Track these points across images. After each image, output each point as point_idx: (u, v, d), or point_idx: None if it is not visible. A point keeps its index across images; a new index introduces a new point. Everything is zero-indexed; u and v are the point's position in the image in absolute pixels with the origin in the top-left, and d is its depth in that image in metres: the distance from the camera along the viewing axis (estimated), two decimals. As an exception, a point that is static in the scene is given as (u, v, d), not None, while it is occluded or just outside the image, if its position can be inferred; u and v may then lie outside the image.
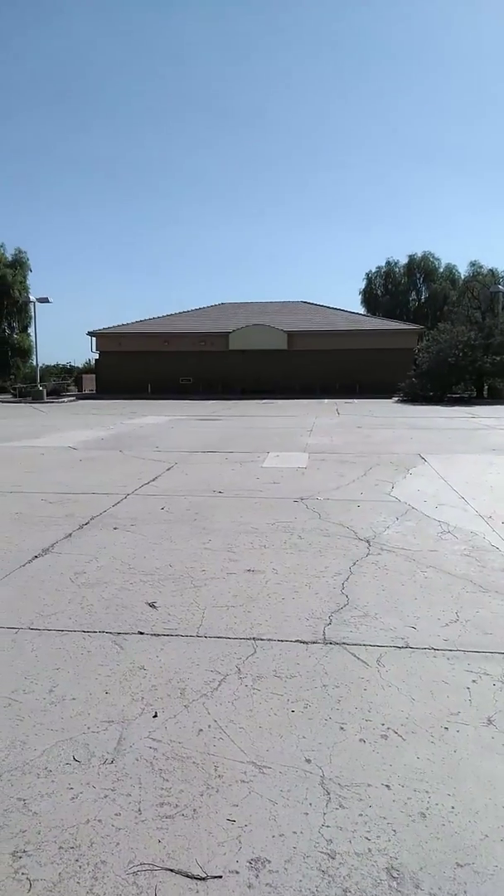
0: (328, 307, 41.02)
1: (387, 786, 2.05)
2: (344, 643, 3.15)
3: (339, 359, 35.03)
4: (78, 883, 1.66)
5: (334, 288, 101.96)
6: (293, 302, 42.62)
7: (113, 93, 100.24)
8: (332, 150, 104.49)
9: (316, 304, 41.70)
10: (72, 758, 2.21)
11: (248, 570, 4.29)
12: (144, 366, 36.77)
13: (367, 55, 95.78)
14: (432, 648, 3.09)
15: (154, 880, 1.67)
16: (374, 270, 58.73)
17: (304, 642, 3.16)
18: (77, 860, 1.73)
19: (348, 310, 42.17)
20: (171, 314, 41.15)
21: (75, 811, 1.93)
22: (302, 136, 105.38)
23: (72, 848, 1.78)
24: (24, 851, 1.77)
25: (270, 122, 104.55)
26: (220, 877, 1.68)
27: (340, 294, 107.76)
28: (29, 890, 1.64)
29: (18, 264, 49.02)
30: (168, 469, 8.88)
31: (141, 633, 3.28)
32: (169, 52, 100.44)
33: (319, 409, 22.92)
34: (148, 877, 1.68)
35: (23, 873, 1.69)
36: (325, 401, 27.97)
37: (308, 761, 2.19)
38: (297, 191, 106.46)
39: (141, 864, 1.72)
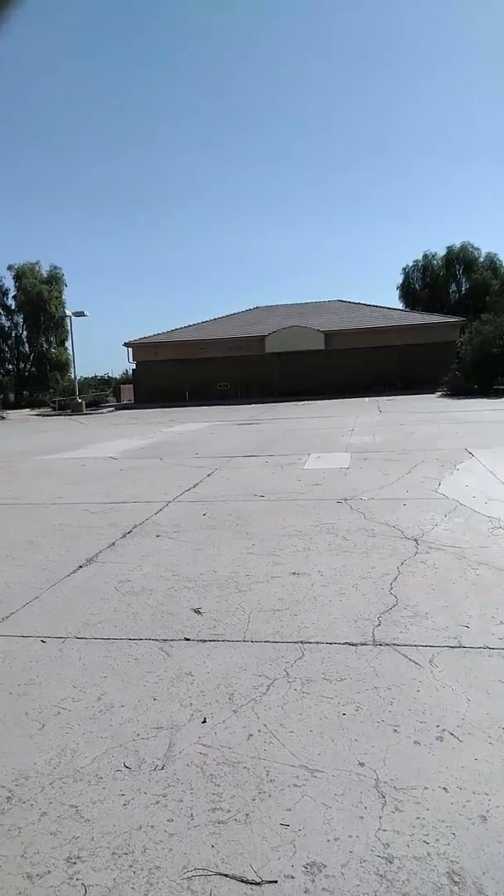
0: (365, 304, 40.66)
1: (444, 788, 1.99)
2: (394, 644, 3.08)
3: (379, 356, 34.65)
4: (133, 888, 1.65)
5: (370, 285, 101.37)
6: (329, 301, 42.40)
7: (139, 107, 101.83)
8: (363, 147, 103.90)
9: (352, 303, 41.40)
10: (122, 764, 2.21)
11: (293, 574, 4.25)
12: (181, 373, 37.11)
13: (398, 48, 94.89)
14: (487, 647, 2.99)
15: (209, 885, 1.65)
16: (410, 264, 57.98)
17: (352, 644, 3.10)
18: (131, 866, 1.73)
19: (386, 306, 41.74)
20: (207, 321, 41.48)
21: (128, 817, 1.93)
22: (333, 135, 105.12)
23: (125, 854, 1.77)
24: (79, 857, 1.77)
25: (302, 123, 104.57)
26: (276, 882, 1.65)
27: (377, 291, 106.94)
28: (84, 895, 1.64)
29: (54, 280, 50.27)
30: (208, 475, 8.91)
31: (187, 640, 3.27)
32: (195, 65, 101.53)
33: (360, 407, 22.71)
34: (202, 882, 1.66)
35: (77, 879, 1.69)
36: (366, 399, 27.69)
37: (361, 764, 2.14)
38: (329, 190, 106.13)
39: (195, 870, 1.70)
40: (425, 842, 1.76)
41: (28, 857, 1.78)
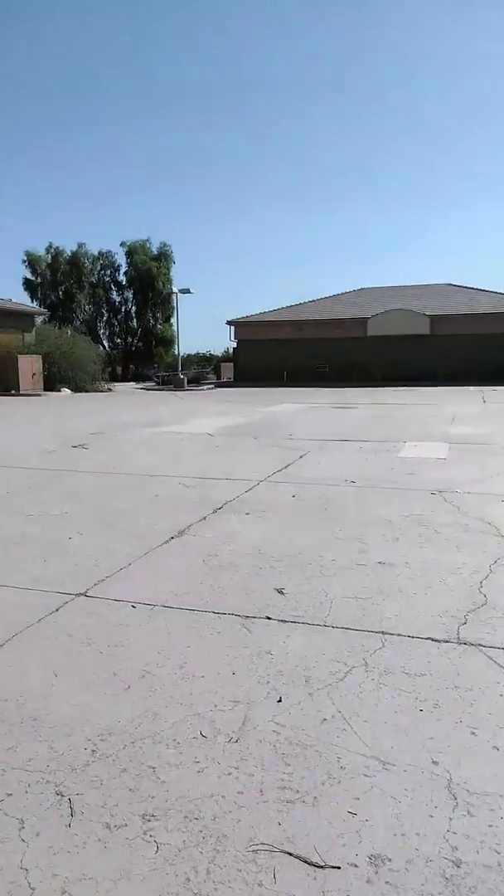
0: (475, 289, 38.75)
1: (521, 799, 1.92)
2: (479, 644, 2.99)
3: (487, 343, 33.10)
4: (201, 852, 1.72)
5: (485, 269, 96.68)
6: (438, 284, 40.81)
7: (246, 79, 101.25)
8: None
9: (462, 286, 39.61)
10: (199, 733, 2.30)
11: (379, 563, 4.20)
12: (281, 353, 37.13)
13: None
14: None
15: (273, 861, 1.69)
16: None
17: (435, 640, 3.04)
18: (201, 831, 1.80)
19: (500, 291, 39.60)
20: (309, 301, 41.11)
21: (200, 784, 2.01)
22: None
23: (196, 819, 1.85)
24: (153, 815, 1.87)
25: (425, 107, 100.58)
26: (339, 868, 1.67)
27: (494, 276, 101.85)
28: (156, 851, 1.73)
29: (163, 257, 51.63)
30: (301, 457, 8.92)
31: (269, 619, 3.33)
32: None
33: (463, 396, 21.85)
34: (267, 857, 1.70)
35: (151, 835, 1.79)
36: (470, 388, 26.59)
37: (435, 763, 2.11)
38: (448, 172, 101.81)
39: (261, 844, 1.75)
40: (496, 851, 1.72)
41: (108, 809, 1.90)
